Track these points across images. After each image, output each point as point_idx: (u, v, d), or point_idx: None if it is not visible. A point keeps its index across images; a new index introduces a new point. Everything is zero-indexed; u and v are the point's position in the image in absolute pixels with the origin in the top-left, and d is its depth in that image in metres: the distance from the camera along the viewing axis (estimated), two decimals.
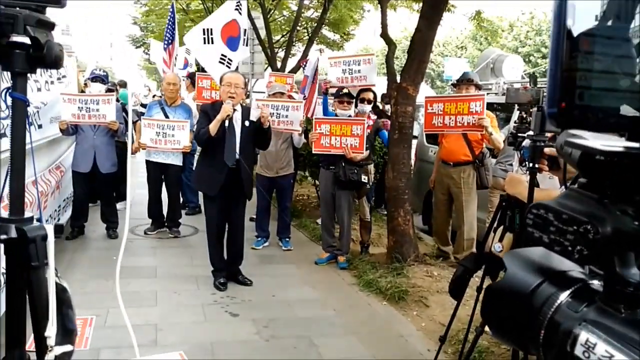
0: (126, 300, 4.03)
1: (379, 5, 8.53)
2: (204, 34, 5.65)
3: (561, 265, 0.71)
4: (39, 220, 1.38)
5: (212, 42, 5.54)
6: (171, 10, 7.45)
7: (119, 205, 6.19)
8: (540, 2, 25.40)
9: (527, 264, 0.73)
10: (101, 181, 5.63)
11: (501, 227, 2.72)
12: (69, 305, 1.47)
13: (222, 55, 5.41)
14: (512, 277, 0.72)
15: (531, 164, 2.09)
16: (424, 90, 5.54)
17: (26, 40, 1.24)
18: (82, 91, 6.55)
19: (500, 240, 2.70)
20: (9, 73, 1.31)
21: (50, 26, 1.32)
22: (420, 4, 6.27)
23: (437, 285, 4.60)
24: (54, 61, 1.30)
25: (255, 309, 4.15)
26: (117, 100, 5.99)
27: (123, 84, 10.17)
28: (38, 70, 4.17)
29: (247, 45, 5.78)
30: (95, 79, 5.75)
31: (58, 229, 1.38)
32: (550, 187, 2.36)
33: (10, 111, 1.30)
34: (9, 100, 1.30)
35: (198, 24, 6.07)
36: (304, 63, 7.48)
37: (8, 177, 1.31)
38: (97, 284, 4.37)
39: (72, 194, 5.83)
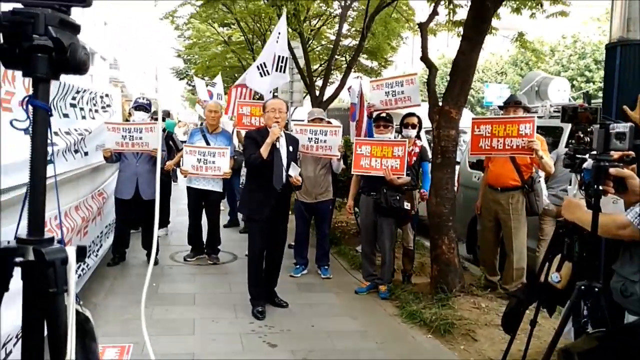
0: (164, 328, 4.03)
1: (417, 32, 8.52)
2: (259, 69, 6.03)
3: None
4: (60, 242, 1.26)
5: (268, 74, 5.85)
6: None
7: (159, 232, 6.23)
8: (581, 27, 24.87)
9: None
10: (143, 208, 5.68)
11: (559, 256, 2.53)
12: (92, 337, 1.32)
13: (263, 63, 5.53)
14: None
15: (595, 186, 1.92)
16: (466, 115, 5.36)
17: (48, 42, 1.14)
18: (127, 120, 6.71)
19: (558, 269, 2.51)
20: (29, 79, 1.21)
21: (76, 28, 1.22)
22: (461, 28, 6.19)
23: (485, 317, 4.36)
24: (78, 66, 1.20)
25: (294, 340, 4.02)
26: (163, 130, 6.09)
27: (166, 114, 10.44)
28: (84, 99, 4.25)
29: (284, 72, 5.85)
30: (138, 107, 5.88)
31: (81, 252, 1.26)
32: (613, 211, 2.18)
33: (31, 121, 1.19)
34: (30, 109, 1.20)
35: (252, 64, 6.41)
36: (349, 91, 7.53)
37: (27, 193, 1.20)
38: (137, 310, 4.34)
39: (114, 220, 5.91)
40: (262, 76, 5.89)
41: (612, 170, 1.83)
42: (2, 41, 1.15)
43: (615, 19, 3.15)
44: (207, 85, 10.84)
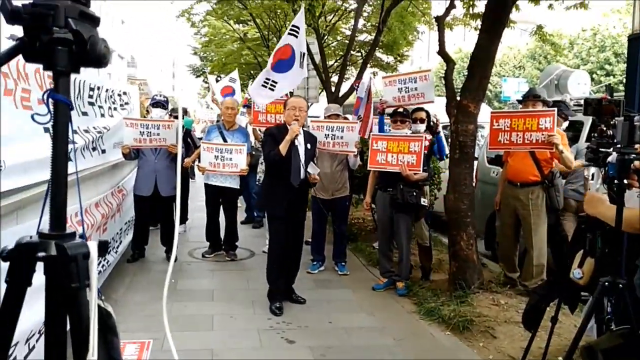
0: (183, 324, 4.07)
1: (434, 26, 8.43)
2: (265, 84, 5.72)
3: None
4: (82, 236, 1.26)
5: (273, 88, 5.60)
6: None
7: (178, 229, 6.27)
8: (602, 19, 24.40)
9: None
10: (162, 204, 5.73)
11: (581, 252, 2.48)
12: (114, 333, 1.32)
13: (266, 79, 5.43)
14: None
15: (619, 180, 1.87)
16: (484, 110, 5.30)
17: (68, 35, 1.12)
18: (144, 117, 6.77)
19: (580, 265, 2.46)
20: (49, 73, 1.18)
21: (95, 21, 1.21)
22: (478, 21, 6.10)
23: (504, 314, 4.31)
24: (97, 58, 1.17)
25: (311, 336, 4.02)
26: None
27: (184, 112, 10.50)
28: (101, 97, 4.30)
29: (302, 67, 5.75)
30: (156, 104, 5.93)
31: (102, 247, 1.26)
32: (637, 205, 2.13)
33: (52, 115, 1.18)
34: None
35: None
36: (357, 84, 7.45)
37: (49, 188, 1.20)
38: (156, 306, 4.38)
39: (133, 217, 5.97)
40: (265, 88, 5.67)
41: (636, 162, 1.78)
42: (22, 34, 1.14)
43: (637, 9, 3.08)
44: (229, 81, 10.85)
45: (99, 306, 1.23)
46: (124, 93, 5.83)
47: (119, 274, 5.22)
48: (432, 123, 5.47)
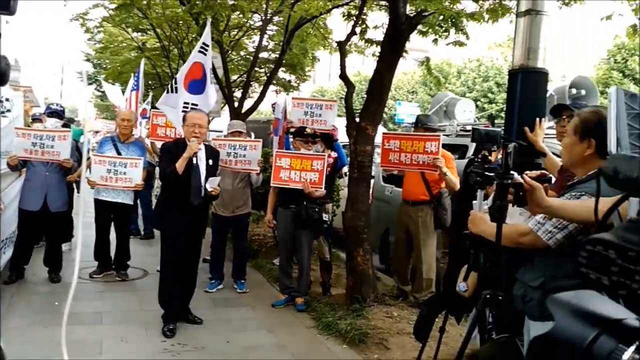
0: (69, 350, 3.74)
1: (334, 50, 8.74)
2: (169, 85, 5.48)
3: (615, 312, 0.63)
4: None
5: (176, 91, 5.29)
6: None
7: (63, 247, 5.84)
8: (486, 51, 26.82)
9: (576, 313, 0.64)
10: (50, 220, 5.31)
11: (465, 266, 2.69)
12: None
13: (185, 102, 5.21)
14: (563, 329, 0.64)
15: (500, 201, 2.08)
16: (380, 131, 5.61)
17: None
18: (29, 126, 6.26)
19: (465, 279, 2.66)
20: None
21: None
22: (376, 48, 6.45)
23: (397, 326, 4.52)
24: None
25: (208, 357, 3.92)
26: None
27: (70, 121, 9.87)
28: None
29: (212, 84, 5.62)
30: (52, 113, 5.55)
31: None
32: (520, 221, 2.37)
33: None
34: None
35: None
36: (273, 106, 7.83)
37: None
38: (38, 331, 4.03)
39: (13, 233, 5.45)
40: (168, 92, 5.30)
41: (526, 179, 1.98)
42: None
43: (517, 48, 3.45)
44: (123, 93, 10.42)
45: None
46: (6, 99, 5.35)
47: None
48: (328, 133, 5.63)
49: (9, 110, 5.37)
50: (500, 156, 2.79)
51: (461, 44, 6.19)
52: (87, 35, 14.52)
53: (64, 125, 5.79)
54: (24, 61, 39.70)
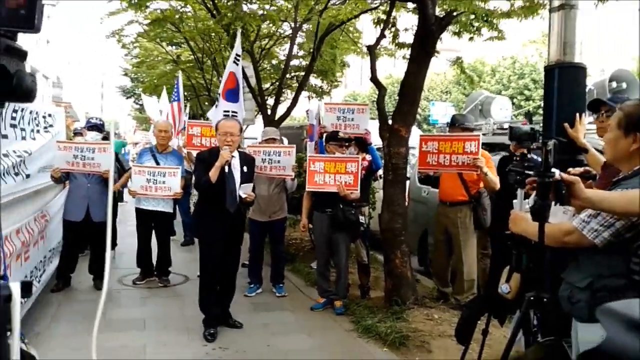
0: (113, 355, 3.86)
1: (365, 54, 8.71)
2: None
3: None
4: (3, 277, 1.17)
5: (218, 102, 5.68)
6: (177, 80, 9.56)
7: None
8: (520, 48, 26.25)
9: (629, 324, 0.62)
10: (93, 230, 5.48)
11: (507, 267, 2.63)
12: None
13: (225, 111, 5.44)
14: (616, 342, 0.61)
15: (541, 200, 2.02)
16: (414, 132, 5.56)
17: None
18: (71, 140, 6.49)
19: (507, 280, 2.60)
20: None
21: (22, 55, 1.18)
22: (407, 51, 6.41)
23: (438, 328, 4.45)
24: (25, 93, 1.15)
25: None
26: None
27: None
28: (25, 118, 4.04)
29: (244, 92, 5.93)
30: (91, 127, 5.75)
31: (25, 288, 1.16)
32: (562, 220, 2.30)
33: None
34: None
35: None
36: (307, 112, 8.03)
37: None
38: (83, 338, 4.14)
39: (59, 243, 5.64)
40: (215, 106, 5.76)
41: (563, 175, 1.93)
42: None
43: (552, 43, 3.37)
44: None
45: (21, 350, 1.13)
46: (49, 115, 5.56)
47: (42, 305, 4.90)
48: (361, 137, 5.63)
49: (51, 126, 5.58)
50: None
51: (500, 38, 6.07)
52: (124, 50, 14.96)
53: (104, 138, 5.97)
54: (66, 78, 41.18)
